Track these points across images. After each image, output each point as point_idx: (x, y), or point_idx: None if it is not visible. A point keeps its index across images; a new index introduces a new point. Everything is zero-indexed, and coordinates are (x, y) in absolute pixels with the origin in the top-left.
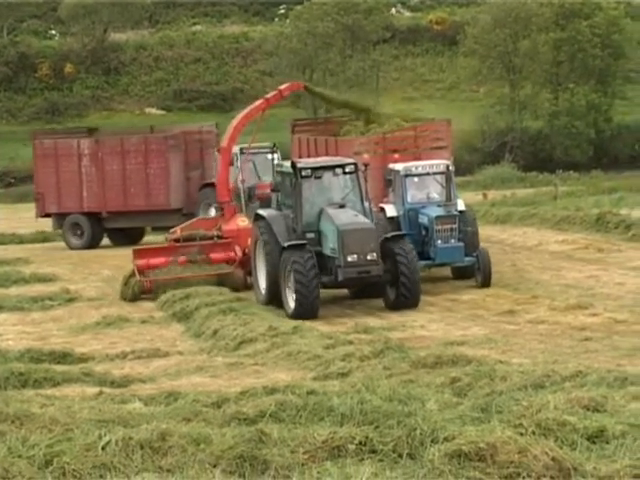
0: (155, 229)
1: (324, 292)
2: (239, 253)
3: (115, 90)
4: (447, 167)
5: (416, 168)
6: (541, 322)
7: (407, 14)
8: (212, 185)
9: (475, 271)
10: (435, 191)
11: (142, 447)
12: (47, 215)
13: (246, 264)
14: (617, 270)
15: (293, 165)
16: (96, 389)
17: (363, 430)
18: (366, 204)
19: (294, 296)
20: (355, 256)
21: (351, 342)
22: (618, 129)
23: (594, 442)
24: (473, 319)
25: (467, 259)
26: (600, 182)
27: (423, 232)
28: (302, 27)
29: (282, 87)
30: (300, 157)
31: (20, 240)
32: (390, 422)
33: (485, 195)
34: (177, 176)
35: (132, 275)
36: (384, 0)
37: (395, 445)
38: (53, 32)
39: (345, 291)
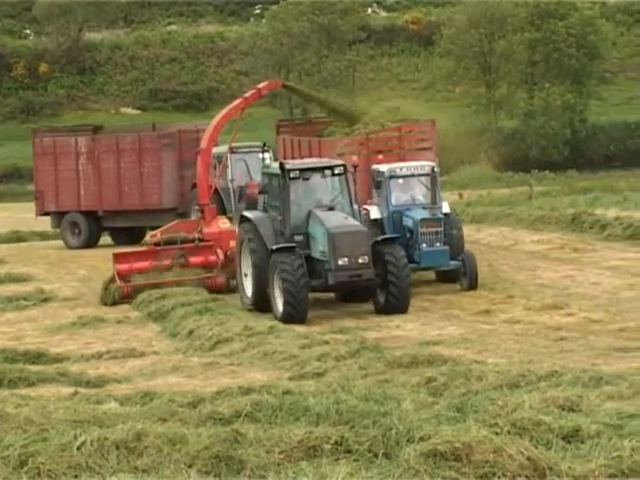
0: (152, 229)
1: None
2: (221, 256)
3: (90, 90)
4: (432, 169)
5: (401, 169)
6: (517, 322)
7: (383, 14)
8: None
9: (460, 275)
10: (420, 193)
11: (117, 447)
12: (46, 214)
13: (228, 267)
14: (592, 270)
15: (281, 166)
16: (71, 389)
17: (339, 430)
18: (355, 206)
19: (282, 300)
20: (346, 259)
21: (327, 342)
22: (593, 129)
23: (569, 442)
24: (449, 319)
25: (452, 263)
26: (575, 182)
27: (407, 235)
28: (278, 27)
29: (260, 86)
30: (285, 158)
31: None
32: (366, 422)
33: (461, 195)
34: (170, 175)
35: (112, 280)
36: (360, 0)
37: (371, 445)
38: (28, 32)
39: (328, 294)
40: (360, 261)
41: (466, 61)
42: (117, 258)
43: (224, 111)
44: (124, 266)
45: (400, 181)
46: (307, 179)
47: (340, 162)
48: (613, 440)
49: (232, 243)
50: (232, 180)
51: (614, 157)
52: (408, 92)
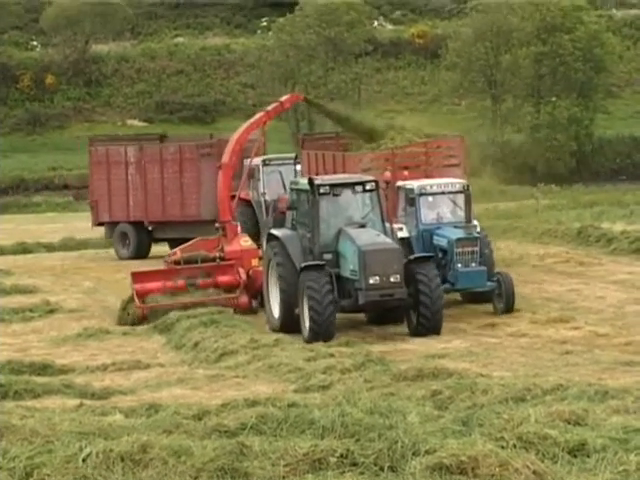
0: None
1: None
2: (243, 276)
3: (97, 102)
4: (464, 186)
5: (431, 187)
6: (522, 335)
7: (389, 27)
8: (240, 198)
9: (494, 297)
10: (450, 211)
11: (123, 459)
12: (101, 224)
13: (251, 287)
14: (598, 284)
15: (310, 182)
16: (77, 401)
17: (344, 443)
18: (387, 224)
19: (308, 320)
20: (377, 278)
21: (332, 355)
22: (599, 143)
23: (575, 456)
24: (454, 332)
25: (488, 284)
26: (581, 196)
27: (439, 255)
28: (285, 39)
29: (283, 99)
30: (309, 173)
31: (0, 251)
32: (371, 435)
33: None
34: (209, 186)
35: (131, 300)
36: (366, 13)
37: (376, 458)
38: (35, 43)
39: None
40: (392, 280)
41: (472, 74)
42: (135, 277)
43: (246, 125)
44: (142, 286)
45: (430, 199)
46: (337, 195)
47: (371, 178)
48: (619, 454)
49: (254, 262)
50: (264, 193)
51: (620, 171)
52: (414, 105)
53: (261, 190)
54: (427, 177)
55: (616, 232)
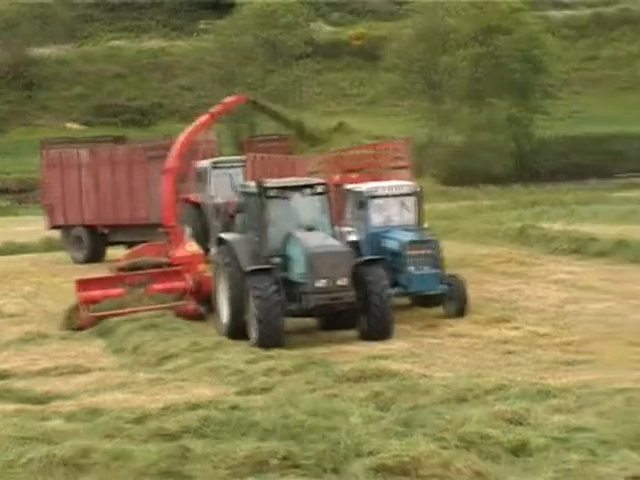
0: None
1: None
2: (190, 282)
3: (35, 105)
4: (414, 189)
5: (382, 189)
6: (464, 336)
7: (328, 29)
8: (189, 201)
9: (446, 300)
10: (400, 214)
11: (64, 464)
12: (56, 227)
13: (198, 293)
14: (539, 283)
15: (259, 184)
16: (17, 406)
17: (286, 445)
18: (336, 228)
19: (256, 325)
20: (324, 281)
21: (273, 357)
22: (538, 143)
23: (517, 455)
24: (396, 333)
25: (440, 287)
26: (521, 196)
27: (390, 258)
28: (223, 42)
29: (227, 100)
30: (253, 177)
31: None
32: (313, 436)
33: None
34: (158, 189)
35: (75, 308)
36: (305, 15)
37: (318, 459)
38: None
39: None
40: (339, 283)
41: (412, 76)
42: (80, 285)
43: (190, 128)
44: (87, 294)
45: (380, 202)
46: (286, 198)
47: (321, 180)
48: (560, 453)
49: (201, 267)
50: (213, 197)
51: (559, 171)
52: (353, 107)
53: (210, 193)
54: (375, 180)
55: (556, 232)
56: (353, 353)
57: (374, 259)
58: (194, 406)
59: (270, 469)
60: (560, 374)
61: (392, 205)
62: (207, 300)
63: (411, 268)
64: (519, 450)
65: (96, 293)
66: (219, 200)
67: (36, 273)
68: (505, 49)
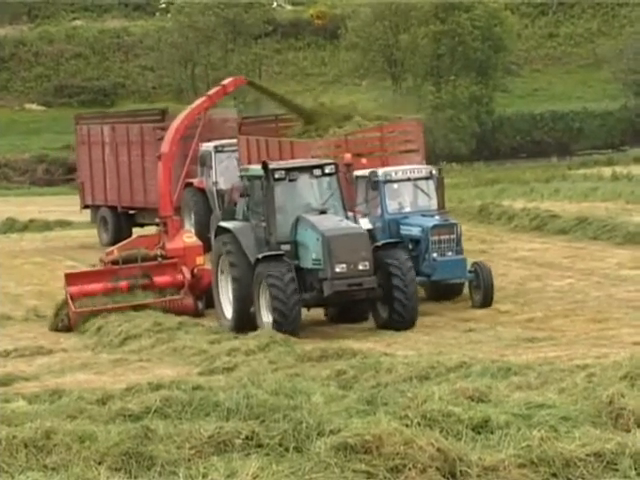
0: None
1: None
2: (187, 275)
3: None
4: (431, 172)
5: (396, 173)
6: (426, 314)
7: (288, 8)
8: (191, 185)
9: (472, 289)
10: (416, 199)
11: (26, 446)
12: (87, 207)
13: (196, 288)
14: (500, 261)
15: (264, 166)
16: None
17: (249, 424)
18: (349, 212)
19: (271, 315)
20: (344, 266)
21: (236, 337)
22: (499, 121)
23: (479, 432)
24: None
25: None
26: (482, 174)
27: (410, 246)
28: (183, 21)
29: (225, 82)
30: (250, 162)
31: None
32: (276, 416)
33: None
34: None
35: (64, 304)
36: None
37: (281, 439)
38: None
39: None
40: (360, 268)
41: (372, 54)
42: (69, 279)
43: (186, 111)
44: (77, 288)
45: (395, 186)
46: (294, 180)
47: (330, 161)
48: (522, 430)
49: (199, 260)
50: (216, 182)
51: (520, 148)
52: (314, 86)
53: (213, 179)
54: (383, 165)
55: (517, 209)
56: (316, 332)
57: (394, 242)
58: (157, 386)
59: (234, 449)
60: (521, 351)
61: (409, 190)
62: (205, 295)
63: (434, 255)
64: (481, 427)
65: (89, 288)
66: (222, 186)
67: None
68: (465, 27)
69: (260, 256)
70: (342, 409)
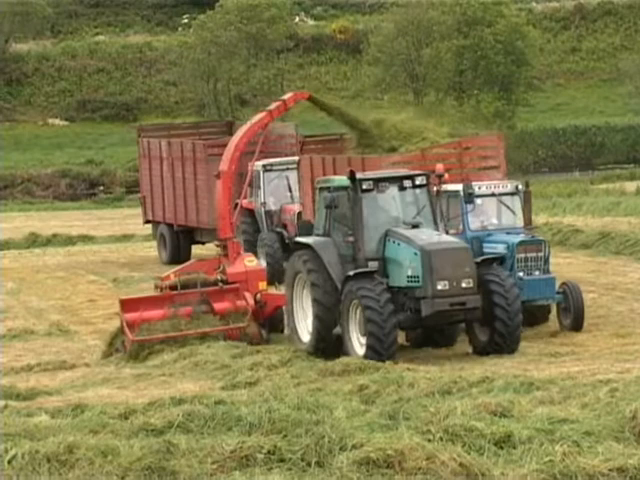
0: None
1: None
2: (250, 301)
3: (17, 101)
4: (516, 187)
5: (480, 188)
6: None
7: (310, 23)
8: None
9: (559, 311)
10: (498, 216)
11: (49, 460)
12: (148, 222)
13: (259, 314)
14: None
15: (352, 176)
16: (1, 402)
17: (271, 439)
18: (441, 226)
19: (365, 340)
20: (446, 283)
21: (259, 351)
22: (522, 136)
23: (501, 447)
24: None
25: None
26: None
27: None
28: (205, 36)
29: (286, 97)
30: (313, 180)
31: None
32: (298, 430)
33: None
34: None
35: (120, 332)
36: (287, 9)
37: (304, 453)
38: None
39: None
40: (464, 285)
41: (394, 69)
42: (125, 305)
43: (246, 127)
44: (134, 315)
45: (479, 202)
46: (382, 192)
47: (421, 172)
48: (545, 445)
49: (262, 285)
50: (264, 203)
51: (542, 163)
52: (337, 100)
53: (261, 199)
54: (463, 182)
55: (539, 224)
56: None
57: (492, 257)
58: (179, 401)
59: (256, 463)
60: (544, 366)
61: (493, 206)
62: (268, 322)
63: (520, 274)
64: (503, 442)
65: (148, 314)
66: (271, 206)
67: (18, 269)
68: (488, 41)
69: (352, 273)
70: (364, 424)
